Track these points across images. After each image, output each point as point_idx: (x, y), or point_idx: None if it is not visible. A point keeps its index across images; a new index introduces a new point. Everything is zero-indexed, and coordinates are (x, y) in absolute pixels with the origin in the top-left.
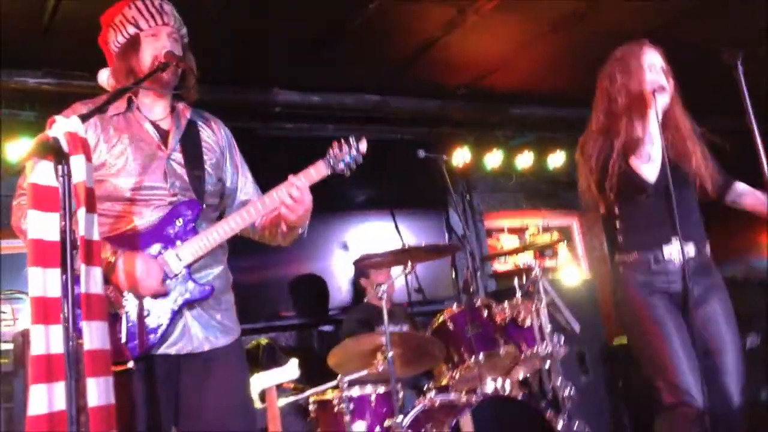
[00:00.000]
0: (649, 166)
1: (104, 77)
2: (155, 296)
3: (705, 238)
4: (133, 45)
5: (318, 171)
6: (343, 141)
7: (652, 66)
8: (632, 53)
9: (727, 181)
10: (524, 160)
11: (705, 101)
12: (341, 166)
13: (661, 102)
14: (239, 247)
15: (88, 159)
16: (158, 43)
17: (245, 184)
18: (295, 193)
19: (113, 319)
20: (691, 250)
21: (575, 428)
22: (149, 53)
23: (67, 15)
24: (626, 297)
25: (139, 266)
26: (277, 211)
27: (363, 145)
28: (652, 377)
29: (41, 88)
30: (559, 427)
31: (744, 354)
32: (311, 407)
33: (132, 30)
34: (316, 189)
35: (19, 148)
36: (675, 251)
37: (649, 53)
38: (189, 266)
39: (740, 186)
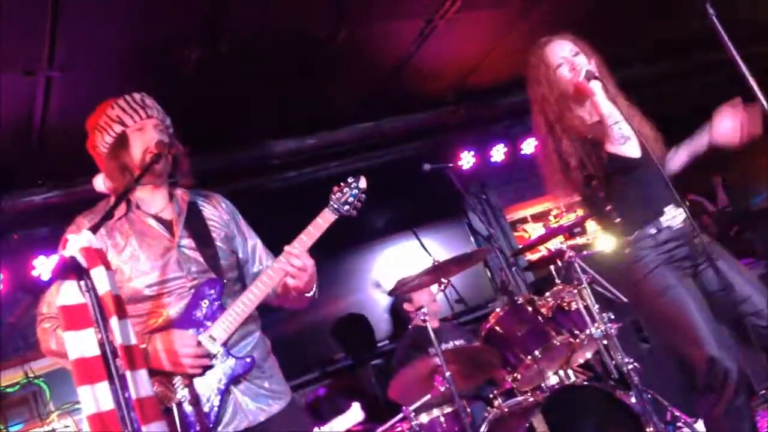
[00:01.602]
0: (627, 145)
1: (100, 182)
2: (200, 366)
3: (684, 200)
4: (122, 142)
5: (325, 219)
6: (342, 184)
7: (562, 59)
8: (537, 60)
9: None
10: (529, 145)
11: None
12: (346, 208)
13: (598, 85)
14: None
15: (108, 268)
16: (146, 136)
17: (256, 251)
18: (295, 262)
19: (166, 413)
20: (682, 212)
21: (648, 400)
22: (139, 147)
23: (55, 125)
24: (640, 279)
25: (177, 341)
26: (284, 281)
27: (362, 183)
28: (681, 348)
29: (49, 203)
30: (632, 401)
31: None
32: None
33: (118, 128)
34: (335, 226)
35: (41, 264)
36: (670, 218)
37: (550, 51)
38: (225, 343)
39: (673, 150)
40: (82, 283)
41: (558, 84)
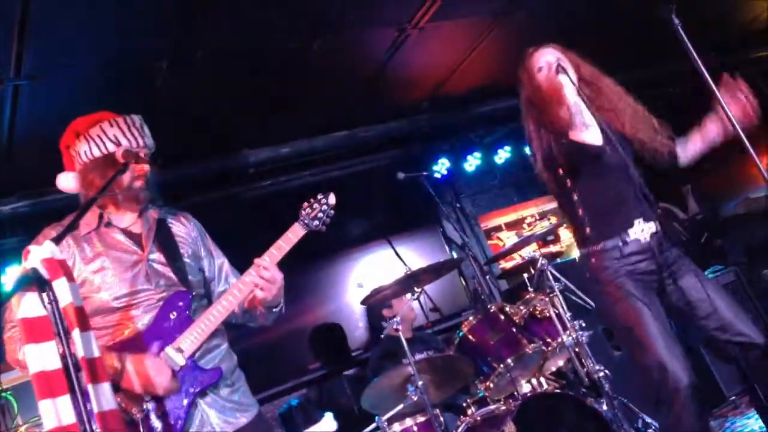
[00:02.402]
0: (588, 132)
1: (65, 180)
2: (169, 392)
3: (657, 212)
4: (112, 163)
5: (295, 233)
6: (312, 200)
7: (544, 63)
8: (524, 66)
9: (671, 144)
10: (503, 154)
11: (654, 48)
12: (315, 223)
13: (566, 79)
14: None
15: (71, 279)
16: (137, 165)
17: (222, 269)
18: (264, 274)
19: (131, 425)
20: (652, 226)
21: (619, 407)
22: (129, 174)
23: (24, 135)
24: (602, 287)
25: (149, 364)
26: (252, 294)
27: (332, 199)
28: (636, 356)
29: (18, 213)
30: (603, 409)
31: (760, 287)
32: None
33: (112, 148)
34: (310, 236)
35: (9, 276)
36: (638, 231)
37: (534, 57)
38: (192, 355)
39: (682, 139)
40: (44, 294)
41: (538, 85)
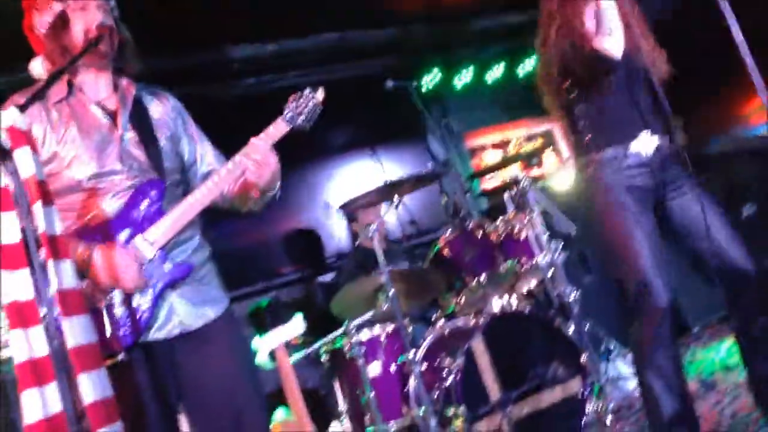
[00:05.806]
0: (611, 39)
1: (38, 66)
2: (136, 289)
3: (673, 128)
4: (62, 22)
5: (278, 129)
6: (299, 93)
7: None
8: None
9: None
10: (495, 72)
11: None
12: (301, 119)
13: None
14: (225, 213)
15: (34, 150)
16: (89, 16)
17: (205, 153)
18: (255, 156)
19: (94, 314)
20: (657, 140)
21: (585, 330)
22: (80, 27)
23: None
24: (596, 197)
25: (119, 260)
26: (243, 177)
27: (320, 95)
28: (619, 275)
29: None
30: (570, 331)
31: (738, 224)
32: (324, 358)
33: (58, 6)
34: (291, 140)
35: None
36: (642, 145)
37: None
38: (163, 247)
39: None
40: (5, 164)
41: None
